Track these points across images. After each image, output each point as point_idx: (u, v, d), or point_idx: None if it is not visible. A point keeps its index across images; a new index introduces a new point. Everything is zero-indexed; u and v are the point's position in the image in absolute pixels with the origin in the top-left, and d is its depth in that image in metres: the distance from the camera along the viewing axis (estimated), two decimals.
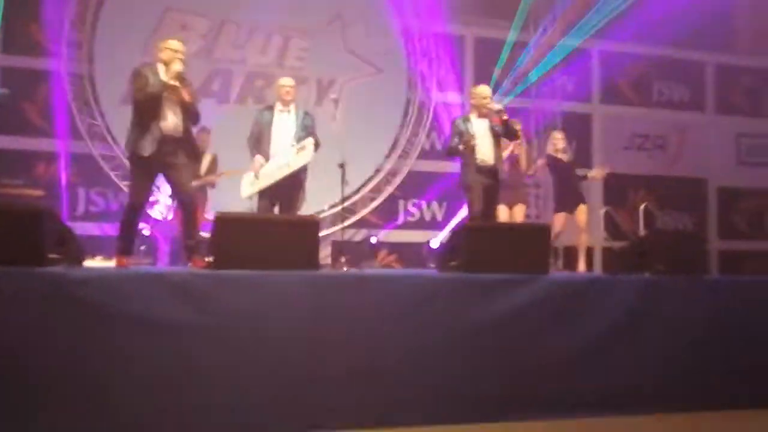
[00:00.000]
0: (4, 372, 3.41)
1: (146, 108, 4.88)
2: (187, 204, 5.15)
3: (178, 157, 5.00)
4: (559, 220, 7.28)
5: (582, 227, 7.23)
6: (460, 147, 6.05)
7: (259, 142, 5.95)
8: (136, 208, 5.03)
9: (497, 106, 6.15)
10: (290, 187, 5.92)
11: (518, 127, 6.29)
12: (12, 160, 7.98)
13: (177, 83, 4.92)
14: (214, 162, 7.57)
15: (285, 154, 5.91)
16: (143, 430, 3.59)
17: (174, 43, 5.09)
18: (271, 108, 6.09)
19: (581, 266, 7.19)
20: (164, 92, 4.89)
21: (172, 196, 5.30)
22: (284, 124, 6.00)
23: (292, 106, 6.06)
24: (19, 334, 3.46)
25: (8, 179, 7.67)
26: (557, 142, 7.46)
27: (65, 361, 3.51)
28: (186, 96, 4.98)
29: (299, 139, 5.96)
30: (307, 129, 6.03)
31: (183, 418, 3.65)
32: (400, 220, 9.64)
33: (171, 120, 4.96)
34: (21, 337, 3.46)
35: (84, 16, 8.46)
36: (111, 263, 5.13)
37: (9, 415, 3.39)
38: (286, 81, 6.10)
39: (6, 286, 3.47)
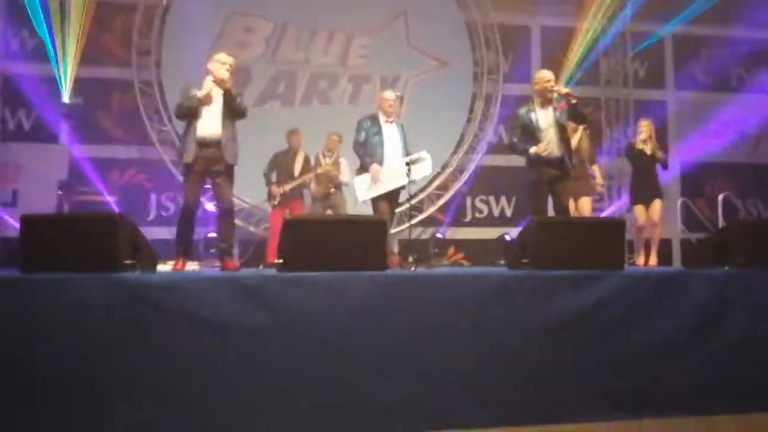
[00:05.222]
0: (80, 376, 3.49)
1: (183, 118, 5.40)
2: (226, 210, 5.43)
3: (219, 164, 5.28)
4: (641, 213, 7.05)
5: (656, 221, 6.98)
6: (532, 151, 5.72)
7: (367, 150, 6.19)
8: (188, 210, 5.34)
9: (564, 90, 5.80)
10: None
11: (587, 110, 6.06)
12: (87, 167, 8.22)
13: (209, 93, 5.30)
14: (306, 162, 7.61)
15: (401, 165, 6.10)
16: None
17: (222, 56, 5.44)
18: (375, 118, 6.29)
19: (653, 260, 6.97)
20: (197, 105, 5.27)
21: (214, 202, 5.57)
22: (392, 135, 6.28)
23: (394, 118, 6.34)
24: (96, 338, 3.53)
25: (84, 186, 7.91)
26: (642, 131, 7.14)
27: (140, 364, 3.57)
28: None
29: (407, 152, 6.24)
30: (406, 140, 6.35)
31: (254, 420, 3.66)
32: (468, 216, 9.53)
33: (208, 125, 5.27)
34: (97, 342, 3.53)
35: (150, 23, 8.66)
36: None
37: (86, 418, 3.47)
38: (389, 95, 6.35)
39: (83, 291, 3.55)
